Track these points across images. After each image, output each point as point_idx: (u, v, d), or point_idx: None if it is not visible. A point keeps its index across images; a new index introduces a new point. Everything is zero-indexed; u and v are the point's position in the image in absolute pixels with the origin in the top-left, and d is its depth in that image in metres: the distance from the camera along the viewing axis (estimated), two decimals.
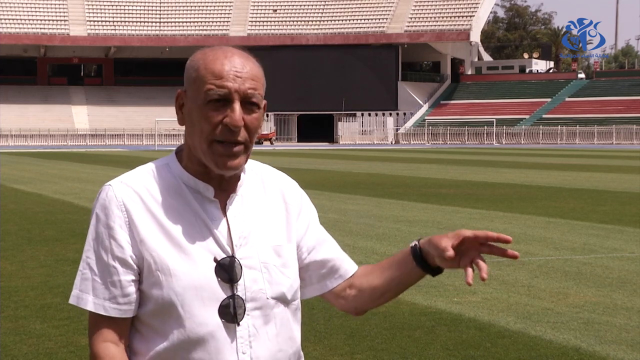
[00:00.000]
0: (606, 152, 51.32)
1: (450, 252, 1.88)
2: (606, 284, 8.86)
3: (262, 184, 2.04)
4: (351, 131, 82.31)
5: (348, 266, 2.12)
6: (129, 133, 79.48)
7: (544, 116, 79.17)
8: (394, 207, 16.90)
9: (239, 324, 1.91)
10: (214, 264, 1.90)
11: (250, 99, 1.89)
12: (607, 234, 12.77)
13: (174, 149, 2.03)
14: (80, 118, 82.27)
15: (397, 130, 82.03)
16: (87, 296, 1.91)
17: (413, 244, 2.01)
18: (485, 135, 77.67)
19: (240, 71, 1.89)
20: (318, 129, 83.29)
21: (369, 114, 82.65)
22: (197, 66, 1.92)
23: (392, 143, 79.99)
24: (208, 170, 1.94)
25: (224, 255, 1.91)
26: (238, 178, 1.98)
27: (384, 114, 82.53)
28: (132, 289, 1.91)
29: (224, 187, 1.96)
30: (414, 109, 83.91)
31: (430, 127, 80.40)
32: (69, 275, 9.38)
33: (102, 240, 1.91)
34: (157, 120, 68.55)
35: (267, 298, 1.95)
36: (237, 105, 1.87)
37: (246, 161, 1.95)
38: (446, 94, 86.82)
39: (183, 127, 1.98)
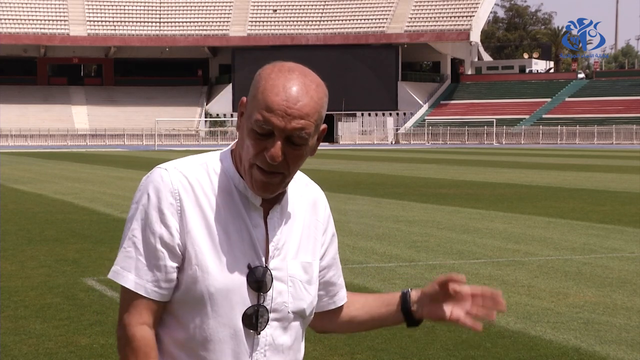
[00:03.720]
0: (606, 152, 51.30)
1: (448, 315, 2.04)
2: (606, 284, 8.86)
3: (300, 194, 2.04)
4: (351, 131, 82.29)
5: (342, 295, 2.17)
6: (129, 133, 79.37)
7: (543, 116, 79.16)
8: (394, 207, 16.90)
9: (259, 333, 1.93)
10: (247, 270, 1.92)
11: (293, 139, 1.84)
12: (607, 234, 12.77)
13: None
14: (80, 118, 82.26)
15: (397, 130, 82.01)
16: (129, 274, 1.91)
17: (404, 291, 2.10)
18: (485, 135, 77.66)
19: (292, 107, 1.83)
20: None
21: (369, 114, 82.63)
22: (259, 85, 1.87)
23: (392, 143, 79.96)
24: None
25: (258, 264, 1.92)
26: (284, 190, 1.98)
27: (384, 114, 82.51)
28: (174, 276, 1.91)
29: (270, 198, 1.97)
30: (414, 109, 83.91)
31: (430, 127, 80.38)
32: (69, 275, 9.39)
33: (151, 223, 1.90)
34: (157, 120, 68.07)
35: (289, 312, 1.97)
36: (278, 142, 1.84)
37: (285, 186, 1.94)
38: (446, 94, 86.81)
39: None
